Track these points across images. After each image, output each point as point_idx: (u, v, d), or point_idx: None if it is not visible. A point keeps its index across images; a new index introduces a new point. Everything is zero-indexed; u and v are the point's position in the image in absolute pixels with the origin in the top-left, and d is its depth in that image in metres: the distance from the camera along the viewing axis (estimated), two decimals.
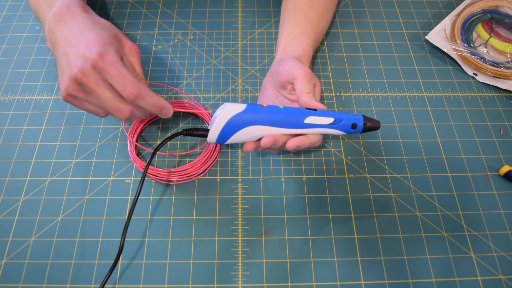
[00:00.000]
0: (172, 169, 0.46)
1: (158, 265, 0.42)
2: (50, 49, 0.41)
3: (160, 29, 0.61)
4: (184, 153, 0.49)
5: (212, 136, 0.39)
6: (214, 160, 0.48)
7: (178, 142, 0.50)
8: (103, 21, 0.40)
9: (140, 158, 0.48)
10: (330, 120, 0.39)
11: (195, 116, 0.52)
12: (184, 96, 0.53)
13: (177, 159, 0.49)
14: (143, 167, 0.46)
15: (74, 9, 0.40)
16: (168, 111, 0.39)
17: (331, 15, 0.57)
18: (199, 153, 0.49)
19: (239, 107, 0.39)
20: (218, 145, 0.49)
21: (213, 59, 0.57)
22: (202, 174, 0.47)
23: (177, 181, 0.47)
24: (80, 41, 0.37)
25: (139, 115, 0.40)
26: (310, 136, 0.39)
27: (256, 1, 0.64)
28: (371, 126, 0.40)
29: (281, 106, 0.39)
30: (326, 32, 0.61)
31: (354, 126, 0.40)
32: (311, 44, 0.50)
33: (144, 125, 0.50)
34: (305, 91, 0.40)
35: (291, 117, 0.39)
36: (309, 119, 0.39)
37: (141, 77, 0.41)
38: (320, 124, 0.39)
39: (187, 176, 0.46)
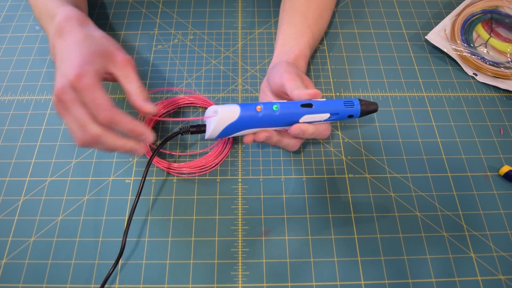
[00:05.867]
0: (186, 163, 0.47)
1: (158, 265, 0.42)
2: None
3: (160, 29, 0.61)
4: (195, 152, 0.49)
5: (210, 136, 0.40)
6: (226, 153, 0.49)
7: (179, 138, 0.50)
8: (97, 34, 0.40)
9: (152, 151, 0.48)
10: (325, 116, 0.40)
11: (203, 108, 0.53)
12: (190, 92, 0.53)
13: (187, 158, 0.49)
14: (159, 161, 0.47)
15: (72, 23, 0.40)
16: (147, 138, 0.37)
17: (330, 14, 0.57)
18: (211, 149, 0.49)
19: (233, 115, 0.39)
20: (230, 139, 0.49)
21: (213, 59, 0.57)
22: (215, 167, 0.48)
23: (190, 173, 0.47)
24: (68, 58, 0.37)
25: (103, 146, 0.37)
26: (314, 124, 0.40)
27: (256, 1, 0.64)
28: (368, 111, 0.41)
29: (276, 107, 0.39)
30: (325, 32, 0.61)
31: (350, 116, 0.41)
32: (307, 44, 0.49)
33: (155, 122, 0.51)
34: (294, 88, 0.40)
35: (286, 119, 0.39)
36: (305, 118, 0.39)
37: (138, 89, 0.39)
38: (315, 121, 0.40)
39: (200, 168, 0.47)
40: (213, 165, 0.47)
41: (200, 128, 0.42)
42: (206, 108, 0.52)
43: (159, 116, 0.51)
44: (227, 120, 0.39)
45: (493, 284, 0.41)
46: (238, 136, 0.47)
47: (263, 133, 0.40)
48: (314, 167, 0.48)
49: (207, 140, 0.49)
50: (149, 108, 0.38)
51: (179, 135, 0.48)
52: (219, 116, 0.38)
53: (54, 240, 0.43)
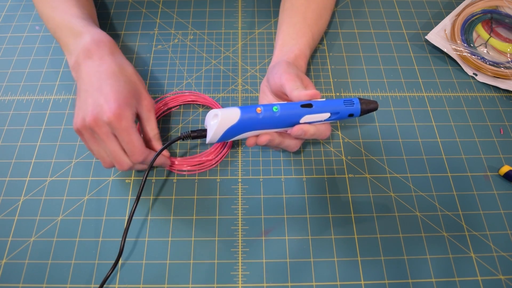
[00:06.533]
0: (186, 157, 0.47)
1: (158, 265, 0.42)
2: (74, 78, 0.45)
3: (160, 29, 0.61)
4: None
5: (212, 140, 0.40)
6: (226, 151, 0.49)
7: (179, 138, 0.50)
8: (128, 69, 0.43)
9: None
10: (326, 116, 0.40)
11: (206, 107, 0.53)
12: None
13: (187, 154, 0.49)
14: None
15: (103, 49, 0.42)
16: (166, 164, 0.46)
17: (329, 14, 0.57)
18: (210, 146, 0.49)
19: (233, 118, 0.39)
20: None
21: (213, 59, 0.57)
22: (215, 164, 0.48)
23: (189, 170, 0.47)
24: (102, 89, 0.39)
25: (136, 170, 0.45)
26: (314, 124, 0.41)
27: (256, 1, 0.64)
28: (368, 109, 0.41)
29: (276, 108, 0.39)
30: (325, 32, 0.61)
31: (351, 115, 0.41)
32: (307, 44, 0.50)
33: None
34: (293, 88, 0.40)
35: (287, 120, 0.39)
36: (305, 118, 0.39)
37: (155, 132, 0.44)
38: (316, 121, 0.40)
39: (200, 165, 0.47)
40: (214, 162, 0.47)
41: (201, 133, 0.42)
42: (207, 107, 0.52)
43: (159, 115, 0.51)
44: (228, 123, 0.39)
45: (493, 284, 0.41)
46: (239, 140, 0.47)
47: (265, 137, 0.40)
48: (314, 167, 0.48)
49: (208, 144, 0.49)
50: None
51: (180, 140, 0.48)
52: (220, 119, 0.38)
53: (54, 240, 0.43)
